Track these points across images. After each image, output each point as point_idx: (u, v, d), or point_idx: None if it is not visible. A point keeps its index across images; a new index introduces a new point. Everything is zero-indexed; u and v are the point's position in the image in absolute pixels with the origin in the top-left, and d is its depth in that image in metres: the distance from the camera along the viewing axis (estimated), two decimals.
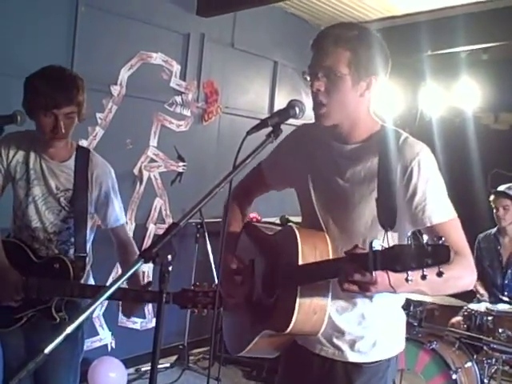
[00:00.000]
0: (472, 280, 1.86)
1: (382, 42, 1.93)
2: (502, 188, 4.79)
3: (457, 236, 1.84)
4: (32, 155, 2.63)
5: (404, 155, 1.87)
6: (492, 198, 4.84)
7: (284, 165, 2.20)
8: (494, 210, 4.84)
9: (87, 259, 2.66)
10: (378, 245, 1.58)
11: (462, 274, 1.83)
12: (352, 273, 1.63)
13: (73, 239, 2.63)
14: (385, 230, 1.76)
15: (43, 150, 2.63)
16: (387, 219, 1.81)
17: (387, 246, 1.58)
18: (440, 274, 1.48)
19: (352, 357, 1.98)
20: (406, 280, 1.51)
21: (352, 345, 1.98)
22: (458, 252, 1.80)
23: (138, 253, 2.80)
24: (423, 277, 1.49)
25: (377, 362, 1.99)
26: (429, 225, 1.84)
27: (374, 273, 1.59)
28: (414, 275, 1.51)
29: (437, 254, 1.47)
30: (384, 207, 1.84)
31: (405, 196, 1.86)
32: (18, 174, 2.63)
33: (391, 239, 1.69)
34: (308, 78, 1.91)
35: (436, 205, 1.85)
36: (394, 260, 1.53)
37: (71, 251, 2.63)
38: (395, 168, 1.86)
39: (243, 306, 2.17)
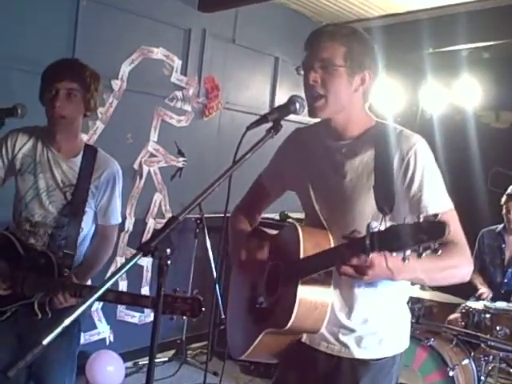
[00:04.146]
0: (469, 271, 1.88)
1: (373, 42, 1.98)
2: None
3: (453, 226, 1.83)
4: (39, 148, 2.65)
5: (400, 147, 1.89)
6: (504, 200, 4.85)
7: (283, 172, 2.22)
8: (504, 211, 4.85)
9: (75, 257, 2.64)
10: (375, 227, 1.58)
11: (460, 264, 1.85)
12: (349, 256, 1.63)
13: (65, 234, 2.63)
14: (382, 214, 1.77)
15: (50, 142, 2.65)
16: (385, 204, 1.83)
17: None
18: (436, 251, 1.49)
19: (359, 353, 1.99)
20: (403, 259, 1.52)
21: (359, 341, 1.99)
22: (456, 242, 1.82)
23: (107, 256, 2.84)
24: (419, 255, 1.50)
25: (383, 358, 2.01)
26: (425, 214, 1.85)
27: (370, 255, 1.60)
28: (411, 256, 1.52)
29: (432, 230, 1.47)
30: (381, 192, 1.87)
31: (402, 186, 1.88)
32: (23, 167, 2.64)
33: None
34: (302, 73, 1.94)
35: (432, 195, 1.87)
36: (390, 239, 1.54)
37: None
38: (392, 159, 1.89)
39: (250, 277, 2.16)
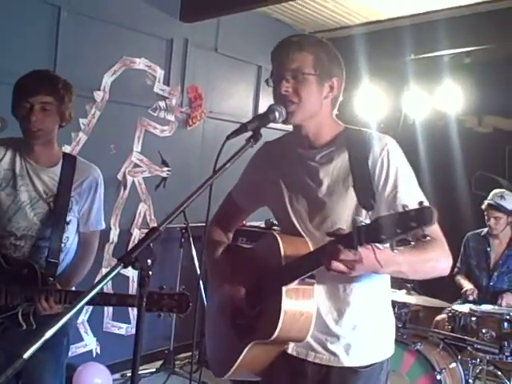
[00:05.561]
0: (448, 265, 1.91)
1: (337, 51, 2.04)
2: (494, 199, 4.81)
3: None
4: (17, 160, 2.62)
5: (373, 148, 1.94)
6: (484, 207, 4.88)
7: (255, 186, 2.22)
8: (486, 218, 4.88)
9: (59, 266, 2.62)
10: (360, 221, 1.60)
11: (441, 257, 1.88)
12: (337, 252, 1.64)
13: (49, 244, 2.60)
14: (366, 210, 1.82)
15: (28, 153, 2.62)
16: (367, 200, 1.87)
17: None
18: (424, 236, 1.52)
19: (348, 361, 1.97)
20: (392, 249, 1.54)
21: (347, 349, 1.98)
22: (435, 237, 1.86)
23: (89, 263, 2.80)
24: (408, 242, 1.52)
25: (372, 365, 2.00)
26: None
27: (358, 249, 1.61)
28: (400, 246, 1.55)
29: (420, 216, 1.49)
30: (362, 190, 1.91)
31: (378, 185, 1.91)
32: (3, 182, 2.60)
33: None
34: (271, 84, 1.99)
35: (406, 192, 1.90)
36: (378, 230, 1.55)
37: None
38: (366, 159, 1.93)
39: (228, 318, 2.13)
